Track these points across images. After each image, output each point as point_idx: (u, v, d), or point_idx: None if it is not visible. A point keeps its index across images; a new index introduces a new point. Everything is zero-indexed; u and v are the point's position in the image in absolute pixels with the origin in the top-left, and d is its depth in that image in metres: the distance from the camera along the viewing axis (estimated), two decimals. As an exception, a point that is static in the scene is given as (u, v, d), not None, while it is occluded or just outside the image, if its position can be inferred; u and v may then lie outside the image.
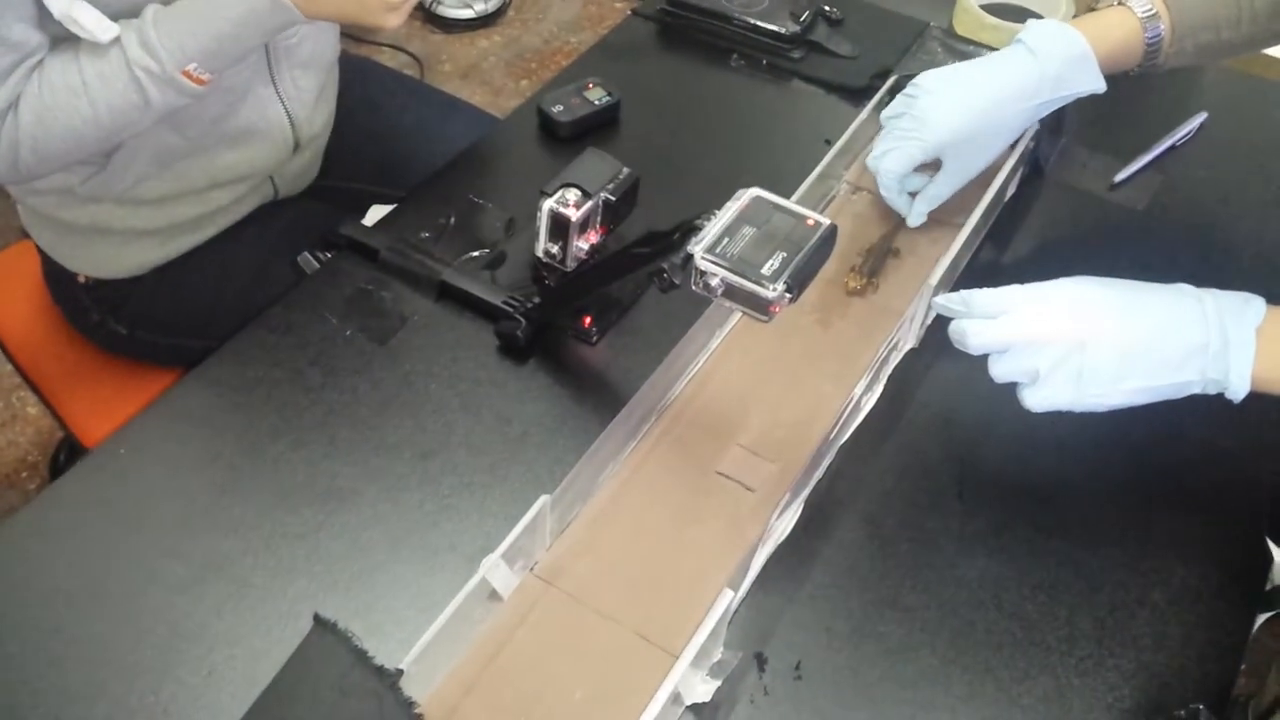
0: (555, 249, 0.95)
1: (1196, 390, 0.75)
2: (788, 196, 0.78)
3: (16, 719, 0.71)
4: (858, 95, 1.24)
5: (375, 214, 1.20)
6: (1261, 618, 0.85)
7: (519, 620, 0.77)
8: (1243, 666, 0.81)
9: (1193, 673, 0.78)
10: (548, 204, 0.92)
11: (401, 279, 1.00)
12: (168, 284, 1.17)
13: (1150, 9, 0.95)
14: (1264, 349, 0.74)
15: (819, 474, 0.87)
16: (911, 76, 1.13)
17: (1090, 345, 0.74)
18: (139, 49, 0.90)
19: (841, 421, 0.86)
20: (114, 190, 1.06)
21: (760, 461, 0.87)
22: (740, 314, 0.75)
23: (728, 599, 0.71)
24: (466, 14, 2.71)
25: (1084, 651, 0.79)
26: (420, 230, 1.05)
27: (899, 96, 0.99)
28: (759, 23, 1.28)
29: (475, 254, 1.02)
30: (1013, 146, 1.04)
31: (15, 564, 0.79)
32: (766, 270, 0.72)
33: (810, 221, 0.75)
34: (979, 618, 0.80)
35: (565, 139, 1.16)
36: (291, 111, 1.13)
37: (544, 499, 0.76)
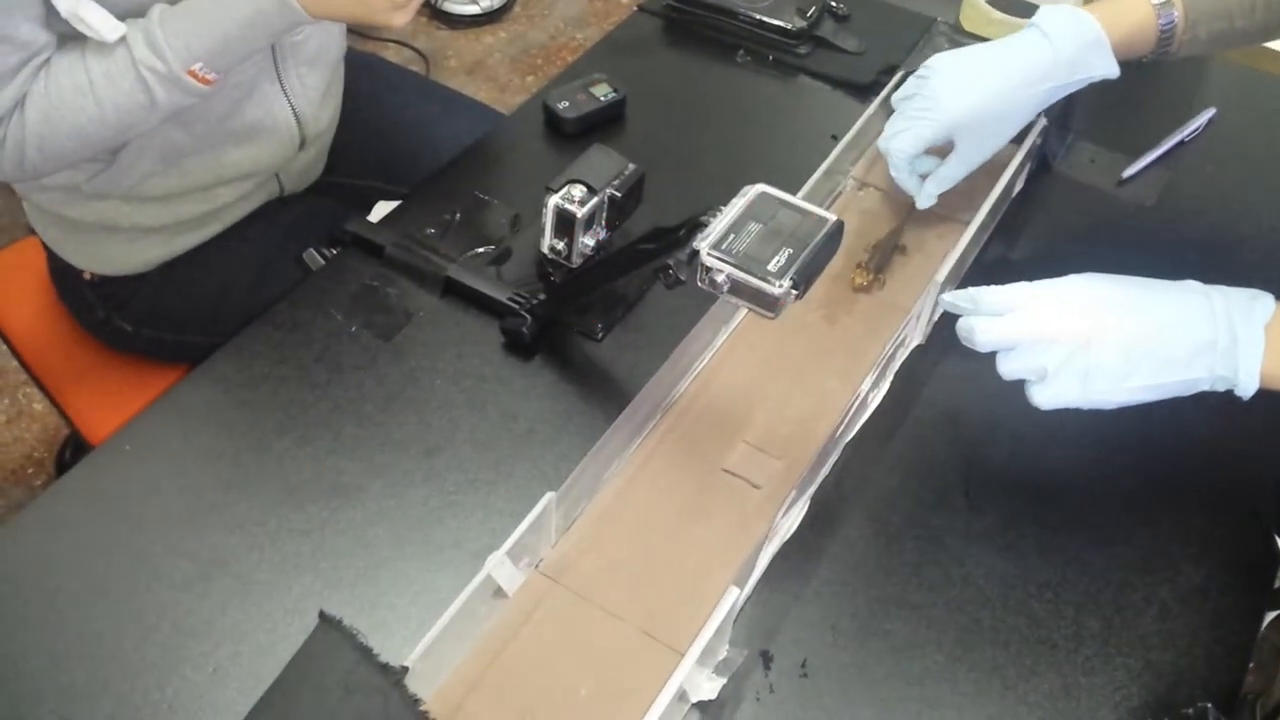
0: (561, 245, 0.94)
1: (1205, 388, 0.75)
2: (794, 192, 0.77)
3: (20, 716, 0.71)
4: (864, 91, 1.23)
5: (380, 210, 1.19)
6: (1269, 615, 0.85)
7: (524, 618, 0.77)
8: (1250, 664, 0.81)
9: (1200, 671, 0.78)
10: (553, 200, 0.92)
11: (407, 275, 1.00)
12: (173, 281, 1.17)
13: None
14: (1273, 346, 0.73)
15: (825, 471, 0.87)
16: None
17: (1098, 343, 0.73)
18: (145, 48, 0.90)
19: (848, 419, 0.86)
20: (120, 187, 1.06)
21: (766, 458, 0.87)
22: (746, 310, 0.75)
23: (733, 596, 0.70)
24: (472, 10, 2.71)
25: (1091, 650, 0.78)
26: (425, 226, 1.05)
27: (911, 78, 0.99)
28: (765, 18, 1.28)
29: (481, 250, 1.02)
30: (1020, 142, 1.04)
31: (20, 561, 0.79)
32: (773, 266, 0.71)
33: (816, 217, 0.74)
34: (985, 615, 0.80)
35: (571, 135, 1.16)
36: (297, 108, 1.13)
37: (549, 496, 0.76)
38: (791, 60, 1.28)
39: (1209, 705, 0.73)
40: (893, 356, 0.92)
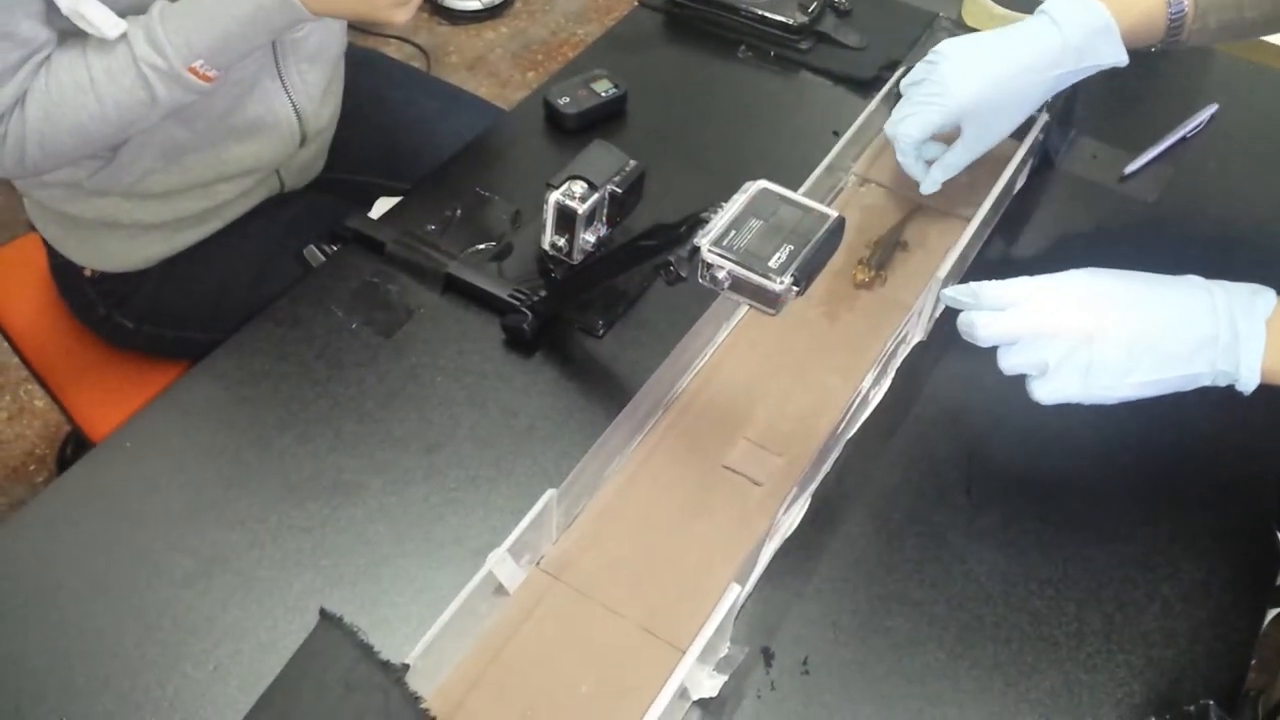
0: (561, 242, 0.94)
1: (1206, 382, 0.75)
2: (795, 188, 0.77)
3: (21, 713, 0.71)
4: (866, 87, 1.23)
5: (381, 206, 1.19)
6: (1272, 613, 0.85)
7: (525, 615, 0.77)
8: (1253, 662, 0.81)
9: (1202, 668, 0.78)
10: (554, 196, 0.92)
11: (407, 272, 1.00)
12: (174, 277, 1.17)
13: None
14: (1274, 341, 0.73)
15: (826, 468, 0.87)
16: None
17: (1099, 337, 0.73)
18: (146, 45, 0.90)
19: (849, 415, 0.86)
20: (121, 184, 1.06)
21: (767, 455, 0.87)
22: (747, 307, 0.75)
23: (735, 594, 0.70)
24: (473, 5, 2.71)
25: (1093, 647, 0.78)
26: (426, 223, 1.04)
27: (919, 64, 0.98)
28: (767, 14, 1.27)
29: (481, 247, 1.02)
30: (1021, 138, 1.03)
31: (21, 558, 0.79)
32: (774, 263, 0.71)
33: (818, 214, 0.74)
34: (987, 612, 0.80)
35: (572, 131, 1.16)
36: (298, 105, 1.13)
37: (550, 493, 0.75)
38: (793, 56, 1.27)
39: (1210, 703, 0.72)
40: (894, 353, 0.92)
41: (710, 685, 0.73)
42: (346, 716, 0.68)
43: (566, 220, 0.92)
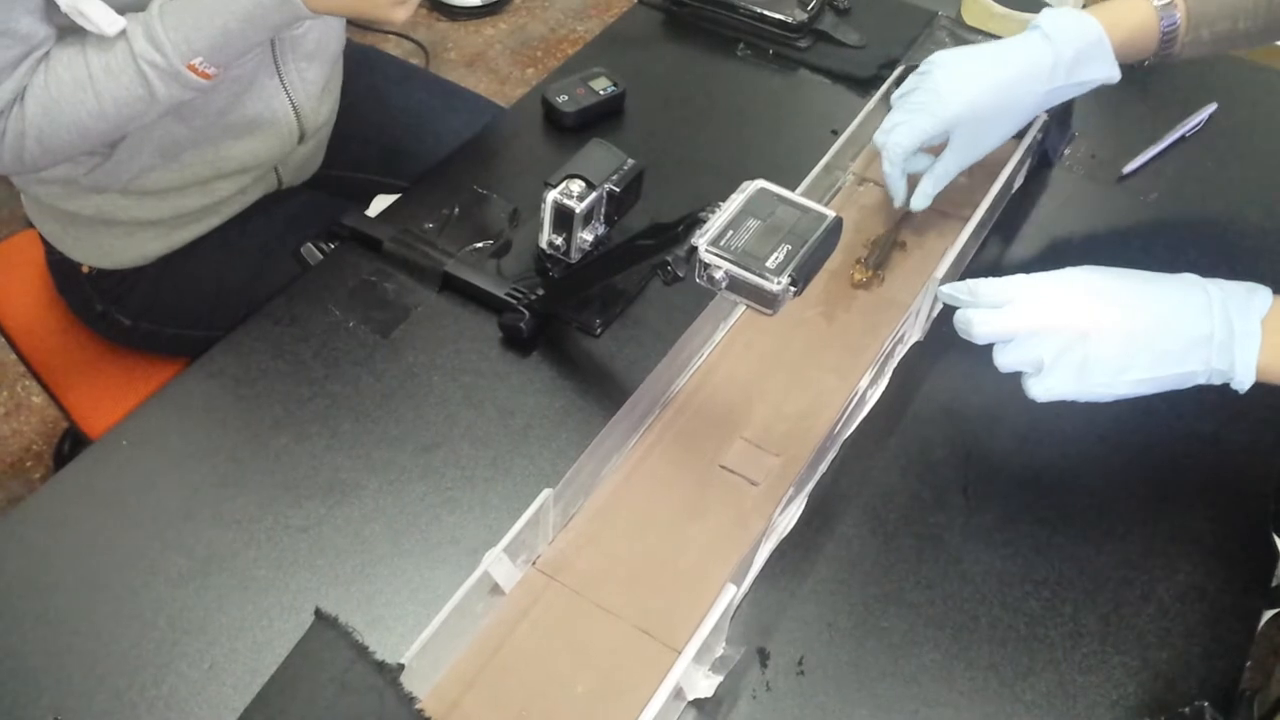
0: (559, 240, 0.94)
1: (1201, 381, 0.75)
2: (793, 187, 0.77)
3: (17, 711, 0.71)
4: (865, 85, 1.23)
5: (379, 204, 1.19)
6: (1268, 614, 0.85)
7: (521, 615, 0.77)
8: (1248, 662, 0.81)
9: (1197, 670, 0.78)
10: (552, 195, 0.92)
11: (405, 270, 1.00)
12: (171, 274, 1.17)
13: None
14: (1270, 340, 0.73)
15: (823, 468, 0.87)
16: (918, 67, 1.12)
17: (1095, 335, 0.73)
18: (145, 42, 0.90)
19: (846, 415, 0.86)
20: (118, 181, 1.06)
21: (764, 455, 0.87)
22: (744, 307, 0.75)
23: (730, 594, 0.70)
24: (473, 2, 2.70)
25: (1088, 648, 0.78)
26: (424, 221, 1.04)
27: (911, 75, 0.98)
28: (766, 11, 1.27)
29: (479, 245, 1.02)
30: (1020, 138, 1.03)
31: (16, 556, 0.79)
32: (771, 263, 0.71)
33: (815, 214, 0.74)
34: (983, 613, 0.80)
35: (570, 129, 1.15)
36: (297, 103, 1.12)
37: (547, 492, 0.75)
38: (792, 54, 1.27)
39: (1205, 704, 0.72)
40: (891, 353, 0.92)
41: (706, 686, 0.73)
42: (341, 717, 0.68)
43: (564, 219, 0.92)
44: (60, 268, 1.20)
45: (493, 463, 0.86)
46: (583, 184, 0.92)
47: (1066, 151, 1.17)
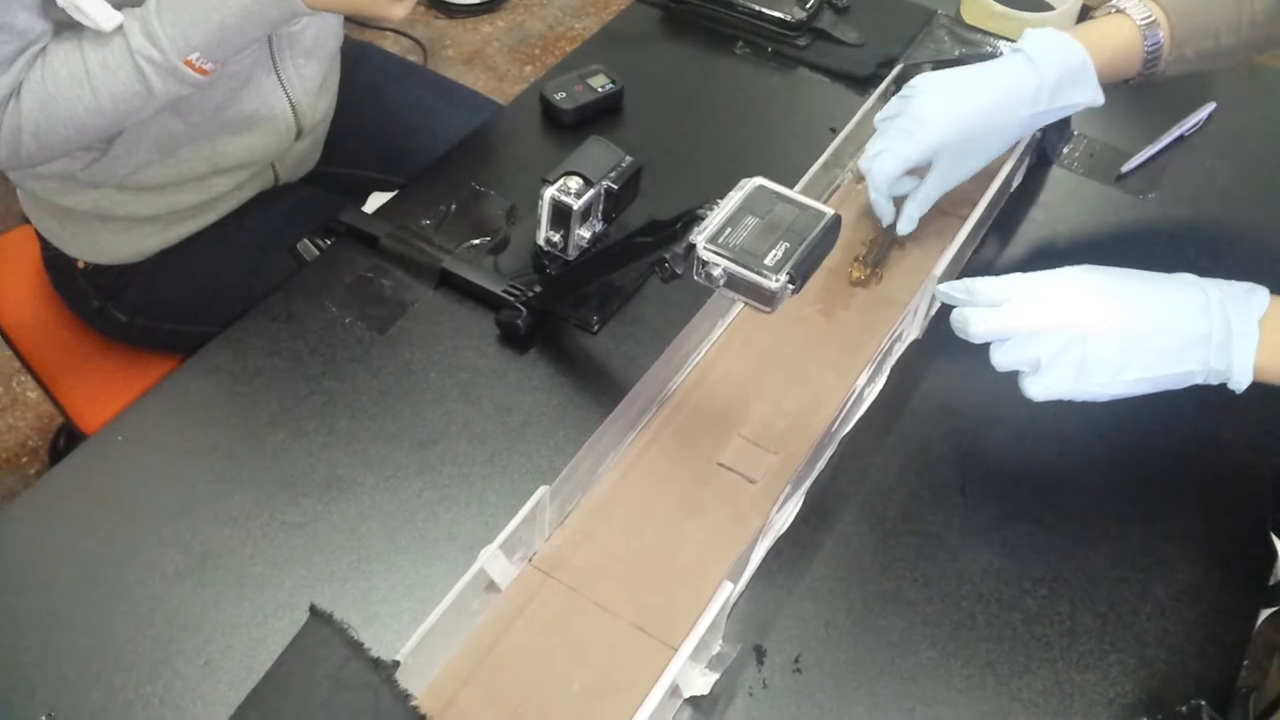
0: (557, 237, 0.94)
1: (1199, 380, 0.75)
2: (792, 185, 0.77)
3: (12, 707, 0.71)
4: (863, 83, 1.23)
5: (376, 201, 1.19)
6: (1265, 612, 0.85)
7: (517, 611, 0.76)
8: (1245, 662, 0.81)
9: (1195, 669, 0.78)
10: (549, 192, 0.91)
11: (402, 267, 1.00)
12: (168, 270, 1.17)
13: (1149, 16, 0.94)
14: (1267, 340, 0.73)
15: (820, 466, 0.86)
16: (918, 66, 1.12)
17: (1092, 334, 0.73)
18: (142, 38, 0.89)
19: (844, 413, 0.85)
20: (115, 176, 1.06)
21: (761, 453, 0.87)
22: (742, 304, 0.74)
23: (727, 591, 0.70)
24: (471, -1, 2.70)
25: (1085, 646, 0.78)
26: (421, 217, 1.04)
27: (894, 98, 0.98)
28: (764, 10, 1.27)
29: (476, 242, 1.02)
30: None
31: (10, 552, 0.79)
32: (769, 261, 0.71)
33: (814, 211, 0.74)
34: (980, 611, 0.80)
35: (568, 126, 1.15)
36: (294, 99, 1.12)
37: (543, 489, 0.75)
38: (790, 52, 1.27)
39: (1202, 703, 0.72)
40: (890, 351, 0.92)
41: (702, 683, 0.73)
42: (336, 714, 0.68)
43: (562, 216, 0.92)
44: (56, 263, 1.20)
45: (489, 460, 0.86)
46: (580, 181, 0.92)
47: (1065, 150, 1.17)
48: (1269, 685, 0.96)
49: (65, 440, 1.74)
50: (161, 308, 1.18)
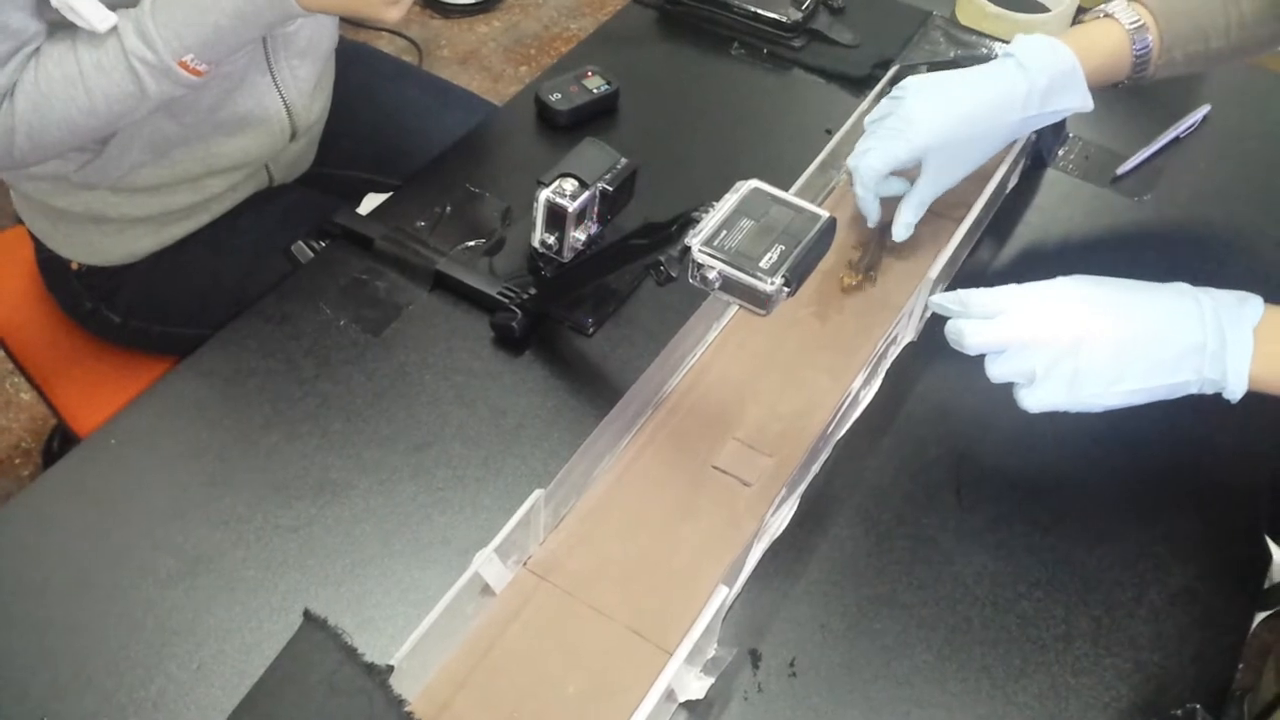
0: (552, 240, 0.94)
1: (1194, 390, 0.75)
2: (787, 187, 0.77)
3: (4, 711, 0.71)
4: (859, 85, 1.23)
5: (371, 202, 1.19)
6: (1260, 616, 0.85)
7: (512, 615, 0.76)
8: (1240, 664, 0.81)
9: (1190, 672, 0.78)
10: (544, 194, 0.91)
11: (396, 269, 0.99)
12: (161, 272, 1.16)
13: (1138, 20, 0.94)
14: (1261, 349, 0.73)
15: (816, 469, 0.86)
16: (914, 67, 1.12)
17: (1087, 346, 0.73)
18: (136, 38, 0.89)
19: (839, 416, 0.85)
20: (109, 177, 1.06)
21: (757, 456, 0.86)
22: (737, 307, 0.74)
23: (722, 595, 0.70)
24: (466, -1, 2.70)
25: (1080, 650, 0.78)
26: (416, 219, 1.04)
27: (885, 99, 0.98)
28: (760, 11, 1.27)
29: (471, 244, 1.02)
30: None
31: (3, 555, 0.79)
32: (764, 263, 0.71)
33: (809, 214, 0.74)
34: (975, 615, 0.80)
35: (563, 128, 1.15)
36: (289, 100, 1.12)
37: (538, 493, 0.75)
38: (786, 53, 1.27)
39: (1197, 706, 0.72)
40: (884, 354, 0.92)
41: (697, 687, 0.73)
42: (330, 719, 0.68)
43: (557, 218, 0.92)
44: (50, 265, 1.19)
45: (484, 463, 0.86)
46: (576, 183, 0.92)
47: (1061, 152, 1.17)
48: (1263, 688, 0.96)
49: (59, 442, 1.73)
50: (155, 309, 1.18)
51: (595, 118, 1.16)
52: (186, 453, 0.85)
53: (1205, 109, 1.22)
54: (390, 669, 0.68)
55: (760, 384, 0.92)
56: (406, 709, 0.68)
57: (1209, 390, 0.75)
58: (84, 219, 1.11)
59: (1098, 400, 0.74)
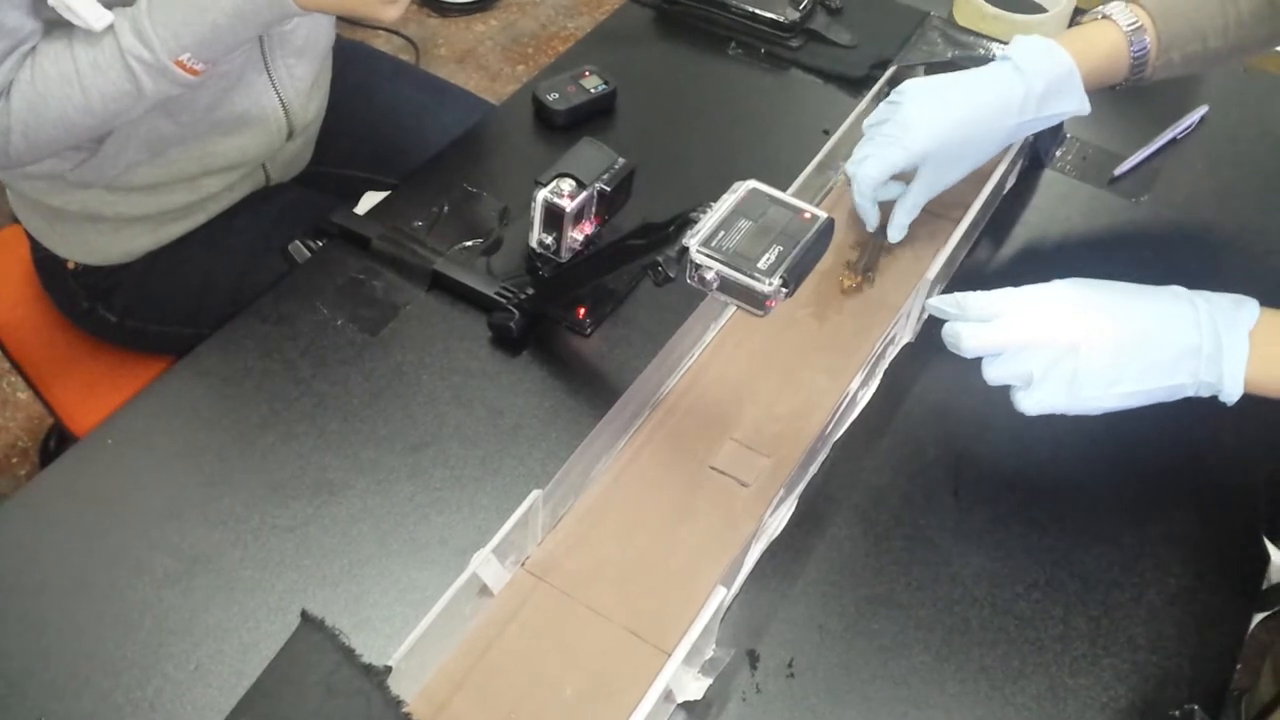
0: (549, 240, 0.94)
1: (1190, 393, 0.75)
2: (785, 188, 0.77)
3: (1, 711, 0.71)
4: (857, 85, 1.22)
5: (368, 201, 1.18)
6: (1258, 617, 0.85)
7: (510, 616, 0.76)
8: (1238, 665, 0.81)
9: (1188, 672, 0.78)
10: (542, 194, 0.91)
11: (394, 268, 0.99)
12: (158, 271, 1.16)
13: (1135, 22, 0.94)
14: (1257, 352, 0.73)
15: (813, 469, 0.86)
16: (912, 68, 1.12)
17: (1083, 349, 0.73)
18: (132, 37, 0.89)
19: (837, 416, 0.85)
20: (105, 176, 1.05)
21: (754, 456, 0.86)
22: (735, 308, 0.74)
23: (720, 596, 0.70)
24: (463, -2, 2.70)
25: (1078, 650, 0.78)
26: (413, 219, 1.04)
27: (882, 104, 0.97)
28: (757, 11, 1.27)
29: (469, 243, 1.01)
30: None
31: (1, 555, 0.78)
32: (762, 264, 0.71)
33: (807, 215, 0.74)
34: (973, 615, 0.80)
35: (560, 127, 1.15)
36: (285, 99, 1.12)
37: (536, 493, 0.75)
38: (783, 53, 1.27)
39: (1195, 707, 0.73)
40: (882, 354, 0.92)
41: (695, 688, 0.73)
42: (328, 720, 0.68)
43: (554, 218, 0.92)
44: (46, 264, 1.19)
45: (482, 463, 0.86)
46: (573, 183, 0.91)
47: (1058, 153, 1.17)
48: (1261, 689, 0.96)
49: (56, 441, 1.73)
50: (152, 309, 1.18)
51: (593, 117, 1.16)
52: (183, 452, 0.85)
53: (1203, 110, 1.22)
54: (388, 669, 0.68)
55: (758, 384, 0.92)
56: (404, 710, 0.68)
57: (1205, 393, 0.75)
58: (80, 218, 1.11)
59: (1095, 403, 0.74)
